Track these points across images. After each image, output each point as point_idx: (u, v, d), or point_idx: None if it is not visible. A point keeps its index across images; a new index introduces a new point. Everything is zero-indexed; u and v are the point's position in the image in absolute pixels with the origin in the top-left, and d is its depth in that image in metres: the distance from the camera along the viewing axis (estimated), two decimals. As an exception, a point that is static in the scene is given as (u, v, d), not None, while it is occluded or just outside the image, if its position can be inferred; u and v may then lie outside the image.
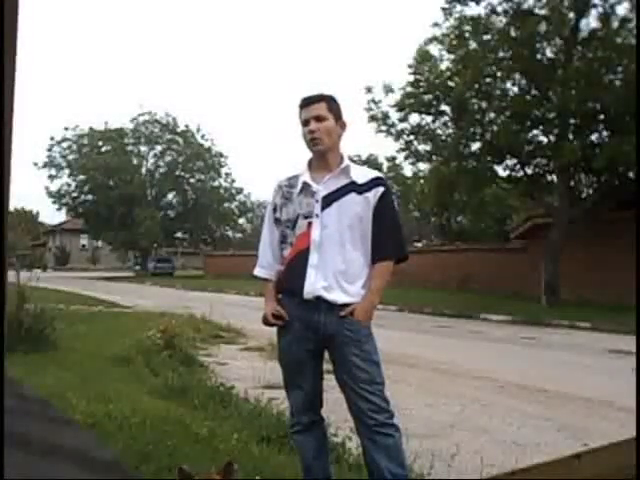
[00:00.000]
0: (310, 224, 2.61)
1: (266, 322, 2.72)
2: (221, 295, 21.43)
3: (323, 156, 2.67)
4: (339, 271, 2.59)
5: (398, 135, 17.63)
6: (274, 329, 2.76)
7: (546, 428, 4.67)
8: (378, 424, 2.55)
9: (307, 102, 2.69)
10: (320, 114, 2.64)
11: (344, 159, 2.70)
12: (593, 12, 15.38)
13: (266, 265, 2.79)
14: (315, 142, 2.63)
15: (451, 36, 16.60)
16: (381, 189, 2.66)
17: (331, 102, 2.70)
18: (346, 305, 2.57)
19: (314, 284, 2.56)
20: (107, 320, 11.12)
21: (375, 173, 2.75)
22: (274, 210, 2.76)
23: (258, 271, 2.82)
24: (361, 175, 2.68)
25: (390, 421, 2.59)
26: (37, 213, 67.80)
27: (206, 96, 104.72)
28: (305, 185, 2.67)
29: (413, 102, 17.03)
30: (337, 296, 2.57)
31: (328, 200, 2.62)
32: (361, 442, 2.68)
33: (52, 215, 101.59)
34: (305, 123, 2.65)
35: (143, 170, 42.28)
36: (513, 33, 15.66)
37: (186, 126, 42.19)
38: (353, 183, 2.64)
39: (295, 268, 2.61)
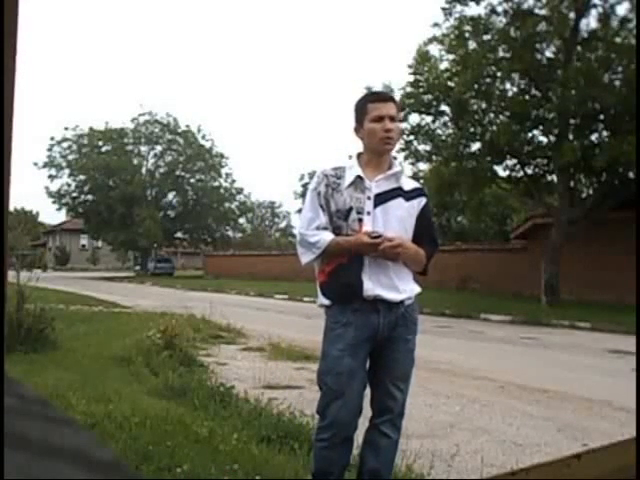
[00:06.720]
0: (361, 221, 2.54)
1: (361, 245, 2.47)
2: (221, 295, 21.42)
3: (382, 156, 2.62)
4: (393, 270, 2.55)
5: (398, 135, 17.62)
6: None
7: (546, 428, 4.67)
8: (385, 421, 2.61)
9: (385, 98, 2.65)
10: (394, 114, 2.59)
11: (395, 163, 2.68)
12: (593, 12, 15.44)
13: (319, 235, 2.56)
14: (388, 141, 2.57)
15: (451, 36, 16.61)
16: (424, 200, 2.67)
17: (398, 104, 2.69)
18: (402, 302, 2.55)
19: (372, 284, 2.51)
20: (107, 320, 11.11)
21: (417, 183, 2.77)
22: (318, 196, 2.63)
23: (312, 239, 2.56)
24: (406, 183, 2.68)
25: (399, 422, 2.65)
26: (37, 213, 67.77)
27: (207, 96, 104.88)
28: (358, 179, 2.58)
29: (413, 102, 17.03)
30: (395, 295, 2.53)
31: (378, 200, 2.57)
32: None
33: (52, 215, 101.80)
34: (379, 119, 2.54)
35: (143, 170, 42.26)
36: (513, 33, 15.66)
37: (187, 126, 42.23)
38: (400, 189, 2.61)
39: (350, 269, 2.52)
